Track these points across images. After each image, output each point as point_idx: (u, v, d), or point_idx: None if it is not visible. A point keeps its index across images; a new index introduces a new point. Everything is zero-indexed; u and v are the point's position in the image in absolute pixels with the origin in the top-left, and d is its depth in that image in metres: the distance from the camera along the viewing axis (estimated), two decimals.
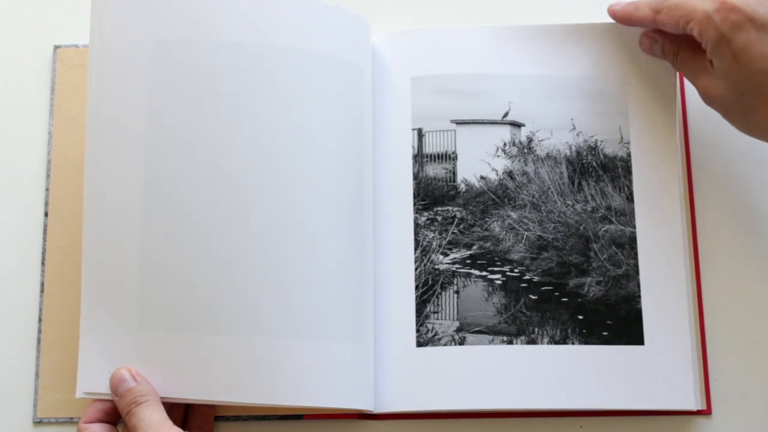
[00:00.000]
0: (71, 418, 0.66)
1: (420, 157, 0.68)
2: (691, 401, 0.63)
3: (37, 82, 0.73)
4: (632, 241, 0.66)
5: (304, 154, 0.63)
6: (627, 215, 0.66)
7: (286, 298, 0.61)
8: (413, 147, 0.68)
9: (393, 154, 0.67)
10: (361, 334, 0.63)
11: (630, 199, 0.66)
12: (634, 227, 0.66)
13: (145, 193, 0.61)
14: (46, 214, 0.70)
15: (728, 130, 0.63)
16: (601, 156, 0.67)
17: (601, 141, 0.67)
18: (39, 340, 0.68)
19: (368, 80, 0.67)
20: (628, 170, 0.67)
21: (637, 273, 0.65)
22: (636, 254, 0.66)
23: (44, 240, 0.69)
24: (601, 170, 0.67)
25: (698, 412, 0.65)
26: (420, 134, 0.68)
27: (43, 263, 0.69)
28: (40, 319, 0.68)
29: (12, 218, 0.70)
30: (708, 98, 0.63)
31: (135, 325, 0.61)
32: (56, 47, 0.73)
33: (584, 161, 0.67)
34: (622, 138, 0.67)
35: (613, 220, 0.66)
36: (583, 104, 0.67)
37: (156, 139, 0.62)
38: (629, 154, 0.67)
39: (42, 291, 0.69)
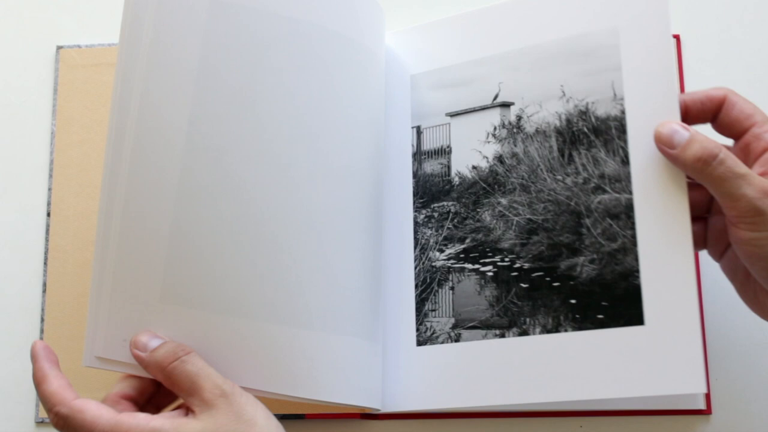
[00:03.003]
0: None
1: (419, 155, 0.67)
2: (701, 384, 0.56)
3: (39, 82, 0.73)
4: (629, 209, 0.59)
5: (335, 144, 0.62)
6: (622, 181, 0.60)
7: (307, 289, 0.60)
8: (413, 145, 0.67)
9: (394, 153, 0.67)
10: (375, 331, 0.63)
11: (625, 161, 0.60)
12: (631, 193, 0.59)
13: (184, 162, 0.59)
14: (48, 214, 0.70)
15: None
16: (593, 119, 0.62)
17: (593, 103, 0.62)
18: (42, 340, 0.68)
19: (383, 69, 0.67)
20: (622, 130, 0.60)
21: (635, 245, 0.59)
22: (633, 224, 0.59)
23: (46, 240, 0.69)
24: (592, 135, 0.62)
25: (698, 412, 0.65)
26: (418, 131, 0.68)
27: (45, 263, 0.69)
28: (42, 319, 0.68)
29: (14, 218, 0.71)
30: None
31: (157, 297, 0.58)
32: (59, 47, 0.73)
33: (574, 129, 0.63)
34: (615, 95, 0.61)
35: (607, 188, 0.61)
36: (573, 66, 0.63)
37: (201, 106, 0.59)
38: (623, 112, 0.60)
39: (44, 291, 0.69)
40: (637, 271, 0.58)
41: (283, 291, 0.59)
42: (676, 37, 0.71)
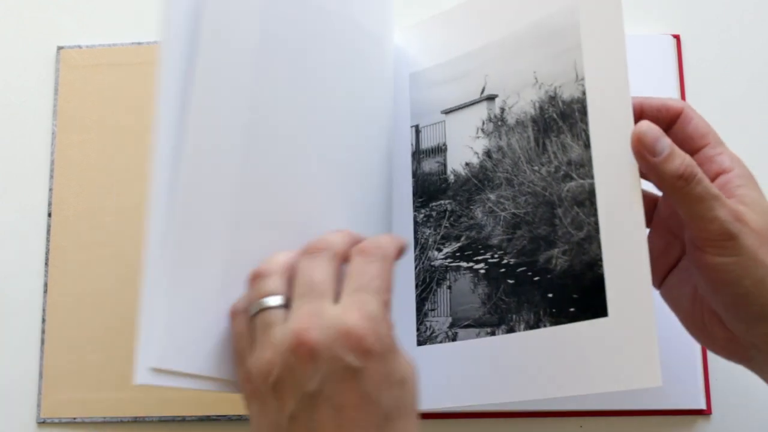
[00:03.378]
0: (74, 419, 0.67)
1: (417, 154, 0.67)
2: (656, 378, 0.51)
3: (39, 82, 0.73)
4: (592, 195, 0.56)
5: (363, 141, 0.62)
6: (585, 165, 0.56)
7: None
8: (412, 144, 0.67)
9: (395, 153, 0.67)
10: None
11: (587, 145, 0.56)
12: (593, 177, 0.56)
13: (242, 158, 0.55)
14: (49, 215, 0.70)
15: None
16: (560, 104, 0.59)
17: (560, 86, 0.59)
18: (42, 341, 0.68)
19: (392, 69, 0.67)
20: (584, 112, 0.57)
21: (598, 231, 0.55)
22: (596, 210, 0.55)
23: (47, 240, 0.70)
24: (561, 120, 0.59)
25: (699, 412, 0.65)
26: (417, 130, 0.67)
27: (46, 263, 0.69)
28: (43, 320, 0.68)
29: (15, 218, 0.71)
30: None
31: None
32: (59, 48, 0.73)
33: (546, 116, 0.60)
34: (577, 75, 0.58)
35: (574, 175, 0.57)
36: (542, 50, 0.61)
37: (257, 107, 0.56)
38: (584, 92, 0.57)
39: (45, 291, 0.69)
40: (601, 259, 0.55)
41: None
42: (676, 37, 0.71)
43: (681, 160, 0.51)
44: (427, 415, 0.66)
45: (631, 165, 0.53)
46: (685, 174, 0.51)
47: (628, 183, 0.53)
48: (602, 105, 0.56)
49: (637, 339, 0.52)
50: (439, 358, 0.62)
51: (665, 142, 0.52)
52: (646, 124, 0.52)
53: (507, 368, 0.58)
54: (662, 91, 0.66)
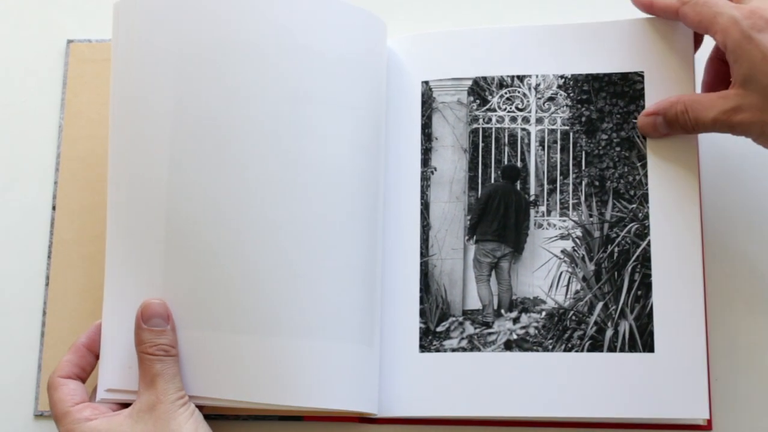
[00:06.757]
0: None
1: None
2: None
3: (48, 76, 0.73)
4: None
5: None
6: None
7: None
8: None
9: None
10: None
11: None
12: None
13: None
14: (53, 208, 0.70)
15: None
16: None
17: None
18: (43, 333, 0.68)
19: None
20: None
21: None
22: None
23: (51, 233, 0.70)
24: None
25: (699, 428, 0.64)
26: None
27: (49, 257, 0.69)
28: (44, 313, 0.68)
29: (20, 211, 0.71)
30: (731, 125, 0.60)
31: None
32: (69, 41, 0.73)
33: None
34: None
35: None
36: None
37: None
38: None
39: (47, 285, 0.69)
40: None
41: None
42: None
43: None
44: (424, 421, 0.65)
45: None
46: None
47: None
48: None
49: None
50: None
51: None
52: None
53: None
54: (676, 75, 0.66)
